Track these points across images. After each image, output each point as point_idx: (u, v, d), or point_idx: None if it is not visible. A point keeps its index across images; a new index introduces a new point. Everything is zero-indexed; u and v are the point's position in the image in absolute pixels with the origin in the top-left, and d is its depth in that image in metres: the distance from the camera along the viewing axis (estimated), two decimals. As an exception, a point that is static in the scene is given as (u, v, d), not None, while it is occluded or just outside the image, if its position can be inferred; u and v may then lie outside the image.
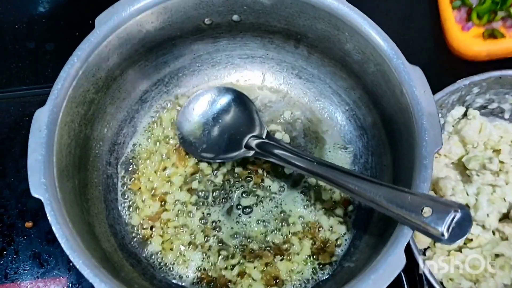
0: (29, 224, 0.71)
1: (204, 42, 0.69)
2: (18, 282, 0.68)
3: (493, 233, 0.68)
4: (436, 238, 0.46)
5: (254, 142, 0.64)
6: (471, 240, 0.68)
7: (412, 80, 0.55)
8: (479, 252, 0.67)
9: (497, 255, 0.67)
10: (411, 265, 0.65)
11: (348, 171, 0.59)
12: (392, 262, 0.48)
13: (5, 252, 0.69)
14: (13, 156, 0.75)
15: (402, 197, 0.49)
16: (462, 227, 0.45)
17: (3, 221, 0.71)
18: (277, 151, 0.62)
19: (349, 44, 0.62)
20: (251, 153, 0.64)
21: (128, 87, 0.67)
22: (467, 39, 0.82)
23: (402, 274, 0.66)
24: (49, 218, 0.49)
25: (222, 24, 0.66)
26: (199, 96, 0.69)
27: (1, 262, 0.69)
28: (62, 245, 0.49)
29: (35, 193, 0.50)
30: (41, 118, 0.53)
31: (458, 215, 0.45)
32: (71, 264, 0.65)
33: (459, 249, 0.67)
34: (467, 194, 0.69)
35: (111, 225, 0.62)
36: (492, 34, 0.80)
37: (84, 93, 0.58)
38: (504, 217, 0.69)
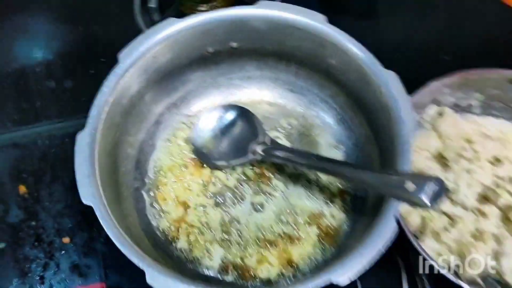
0: (66, 240, 0.78)
1: (208, 68, 0.78)
2: None
3: (474, 213, 0.73)
4: (419, 205, 0.54)
5: (259, 148, 0.72)
6: (456, 220, 0.72)
7: (388, 82, 0.64)
8: (463, 229, 0.72)
9: (479, 231, 0.71)
10: (406, 247, 0.70)
11: (343, 162, 0.68)
12: (385, 229, 0.55)
13: (48, 266, 0.76)
14: (45, 182, 0.83)
15: (389, 178, 0.58)
16: (438, 193, 0.53)
17: (43, 240, 0.78)
18: (280, 153, 0.71)
19: (332, 59, 0.71)
20: (258, 157, 0.72)
21: (145, 112, 0.75)
22: None
23: (397, 255, 0.74)
24: (100, 220, 0.57)
25: (223, 51, 0.74)
26: (208, 115, 0.78)
27: (46, 276, 0.75)
28: (114, 240, 0.56)
29: (86, 201, 0.58)
30: (83, 139, 0.61)
31: (434, 184, 0.53)
32: (107, 271, 0.75)
33: (446, 229, 0.72)
34: (447, 179, 0.74)
35: (143, 229, 0.69)
36: None
37: (112, 118, 0.66)
38: (483, 199, 0.74)
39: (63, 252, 0.78)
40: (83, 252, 0.77)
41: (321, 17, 0.69)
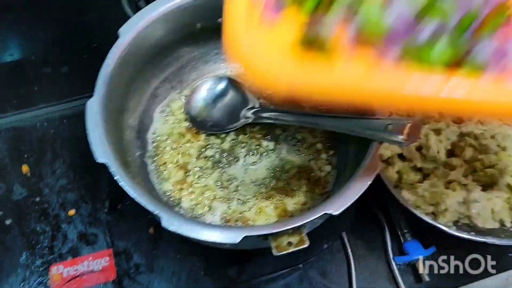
0: (72, 212, 0.82)
1: (197, 45, 0.83)
2: (72, 259, 0.78)
3: (444, 166, 0.80)
4: (399, 144, 0.62)
5: (250, 112, 0.79)
6: (429, 174, 0.80)
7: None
8: (435, 181, 0.79)
9: (449, 182, 0.79)
10: (385, 202, 0.81)
11: (327, 114, 0.74)
12: (370, 165, 0.62)
13: (56, 238, 0.80)
14: (47, 161, 0.87)
15: (371, 122, 0.65)
16: (415, 132, 0.60)
17: (48, 214, 0.82)
18: (269, 114, 0.77)
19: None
20: (250, 120, 0.79)
21: (143, 85, 0.80)
22: (262, 41, 0.46)
23: (379, 211, 0.82)
24: (115, 174, 0.61)
25: (210, 27, 0.79)
26: (200, 86, 0.83)
27: (55, 245, 0.79)
28: (129, 190, 0.60)
29: (100, 159, 0.61)
30: (93, 106, 0.65)
31: (410, 124, 0.60)
32: (113, 238, 0.80)
33: (420, 181, 0.79)
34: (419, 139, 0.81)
35: (149, 191, 0.72)
36: (316, 42, 0.44)
37: (116, 89, 0.70)
38: (451, 153, 0.82)
39: (68, 223, 0.82)
40: (89, 222, 0.82)
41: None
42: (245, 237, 0.57)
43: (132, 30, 0.72)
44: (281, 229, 0.58)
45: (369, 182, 0.61)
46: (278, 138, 0.82)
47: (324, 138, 0.81)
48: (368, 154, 0.64)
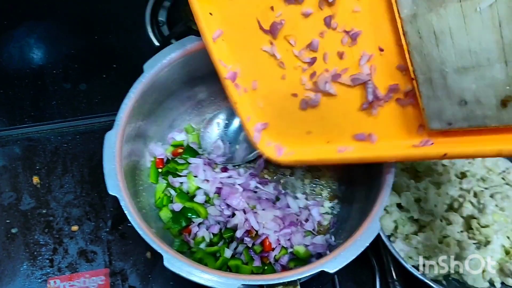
0: (75, 228, 0.84)
1: (216, 81, 0.79)
2: (69, 274, 0.80)
3: (441, 220, 0.81)
4: None
5: None
6: (424, 226, 0.81)
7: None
8: (431, 234, 0.79)
9: (444, 236, 0.80)
10: (378, 249, 0.81)
11: None
12: (371, 228, 0.63)
13: (57, 251, 0.82)
14: (56, 174, 0.89)
15: None
16: None
17: (53, 227, 0.84)
18: None
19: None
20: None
21: (161, 116, 0.82)
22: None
23: (372, 256, 0.82)
24: (124, 208, 0.63)
25: None
26: (213, 119, 0.85)
27: (55, 259, 0.81)
28: (135, 226, 0.62)
29: (112, 192, 0.64)
30: (111, 138, 0.68)
31: None
32: (111, 257, 0.82)
33: (415, 233, 0.80)
34: (419, 190, 0.83)
35: (155, 220, 0.77)
36: None
37: (135, 120, 0.73)
38: (449, 208, 0.83)
39: (71, 238, 0.84)
40: (90, 239, 0.84)
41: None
42: (243, 285, 0.59)
43: (156, 65, 0.74)
44: (277, 281, 0.60)
45: (367, 245, 0.63)
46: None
47: (330, 188, 0.84)
48: (372, 213, 0.66)
